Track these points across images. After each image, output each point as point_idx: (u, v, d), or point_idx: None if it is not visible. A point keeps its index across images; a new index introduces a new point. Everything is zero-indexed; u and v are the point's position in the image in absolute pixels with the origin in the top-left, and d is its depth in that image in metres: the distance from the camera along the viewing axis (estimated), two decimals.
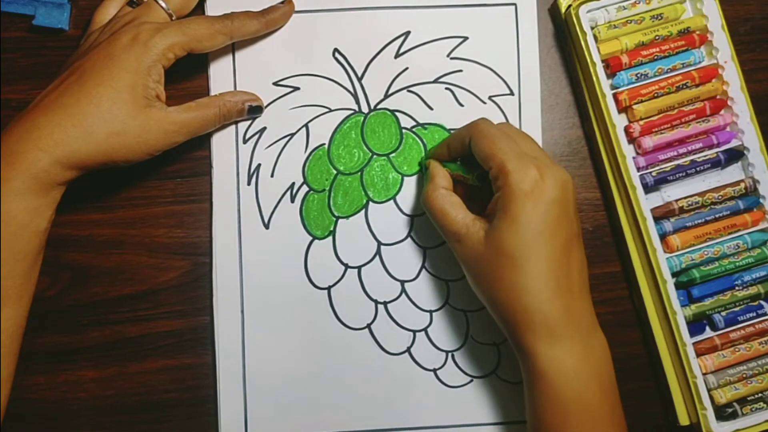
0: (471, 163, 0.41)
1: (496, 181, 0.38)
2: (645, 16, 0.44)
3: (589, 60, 0.43)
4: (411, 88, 0.46)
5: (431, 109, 0.46)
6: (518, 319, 0.37)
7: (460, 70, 0.46)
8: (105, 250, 0.45)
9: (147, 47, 0.39)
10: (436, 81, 0.46)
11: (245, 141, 0.45)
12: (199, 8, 0.44)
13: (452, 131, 0.46)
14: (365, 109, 0.46)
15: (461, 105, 0.46)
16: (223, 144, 0.45)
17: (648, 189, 0.44)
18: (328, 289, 0.46)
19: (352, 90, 0.46)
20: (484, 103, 0.46)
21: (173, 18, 0.42)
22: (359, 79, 0.46)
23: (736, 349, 0.44)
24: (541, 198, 0.36)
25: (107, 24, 0.42)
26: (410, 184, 0.46)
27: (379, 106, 0.46)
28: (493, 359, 0.46)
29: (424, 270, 0.46)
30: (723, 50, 0.45)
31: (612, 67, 0.44)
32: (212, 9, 0.45)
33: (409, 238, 0.46)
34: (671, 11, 0.45)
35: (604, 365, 0.38)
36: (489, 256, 0.38)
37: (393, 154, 0.46)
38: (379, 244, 0.46)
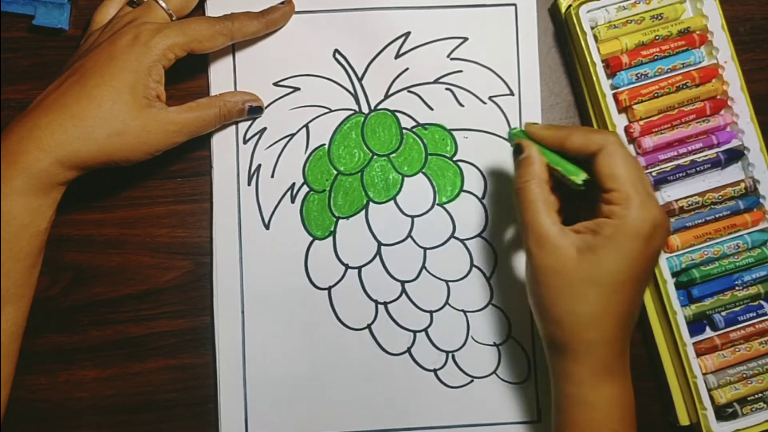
0: (579, 166, 0.38)
1: (611, 204, 0.36)
2: (645, 16, 0.44)
3: (589, 60, 0.43)
4: (411, 89, 0.46)
5: (431, 109, 0.46)
6: (577, 348, 0.37)
7: (461, 71, 0.46)
8: (106, 250, 0.45)
9: (147, 47, 0.39)
10: (436, 81, 0.46)
11: (245, 141, 0.45)
12: (200, 8, 0.44)
13: (452, 131, 0.46)
14: (365, 110, 0.46)
15: (461, 105, 0.46)
16: (223, 144, 0.45)
17: None
18: (329, 289, 0.46)
19: (352, 90, 0.46)
20: (484, 103, 0.46)
21: (173, 18, 0.42)
22: (359, 80, 0.46)
23: (736, 349, 0.44)
24: (652, 244, 0.36)
25: (107, 24, 0.42)
26: (410, 185, 0.46)
27: (379, 107, 0.46)
28: (494, 360, 0.46)
29: (424, 270, 0.46)
30: (723, 50, 0.45)
31: (612, 67, 0.44)
32: (212, 9, 0.45)
33: (409, 239, 0.46)
34: (671, 11, 0.45)
35: (632, 398, 0.39)
36: (575, 277, 0.36)
37: (393, 155, 0.46)
38: (380, 244, 0.46)
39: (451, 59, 0.46)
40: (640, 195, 0.36)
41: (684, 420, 0.44)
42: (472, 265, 0.46)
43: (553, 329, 0.38)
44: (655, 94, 0.44)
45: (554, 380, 0.39)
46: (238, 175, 0.45)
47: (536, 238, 0.37)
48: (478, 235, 0.46)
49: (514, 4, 0.46)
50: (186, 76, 0.45)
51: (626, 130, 0.45)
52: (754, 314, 0.44)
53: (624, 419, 0.38)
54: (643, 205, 0.35)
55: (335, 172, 0.46)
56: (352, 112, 0.46)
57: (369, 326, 0.46)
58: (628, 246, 0.35)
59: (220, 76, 0.45)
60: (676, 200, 0.44)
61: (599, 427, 0.37)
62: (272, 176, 0.45)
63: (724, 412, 0.43)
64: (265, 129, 0.45)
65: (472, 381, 0.46)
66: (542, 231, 0.37)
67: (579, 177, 0.37)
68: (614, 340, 0.37)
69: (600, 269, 0.36)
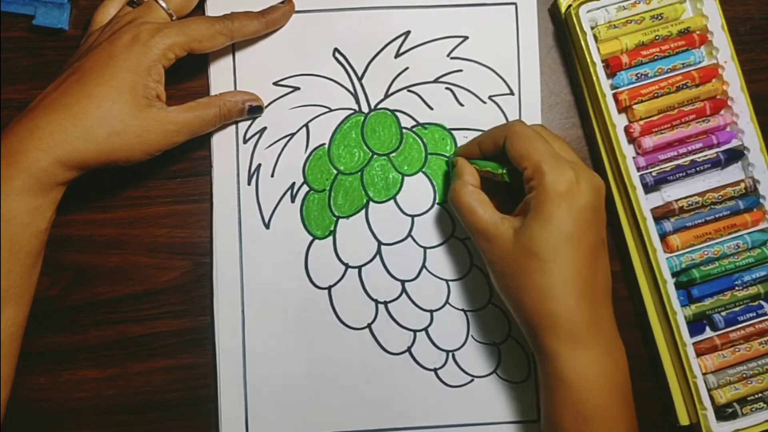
0: (501, 163, 0.41)
1: (529, 181, 0.38)
2: (645, 16, 0.44)
3: (589, 60, 0.43)
4: (411, 88, 0.46)
5: (431, 108, 0.46)
6: (542, 323, 0.37)
7: (460, 70, 0.46)
8: (106, 250, 0.45)
9: (147, 47, 0.39)
10: (436, 81, 0.46)
11: (245, 141, 0.45)
12: (199, 8, 0.44)
13: (452, 131, 0.46)
14: (365, 109, 0.46)
15: (461, 105, 0.46)
16: (223, 144, 0.45)
17: (648, 189, 0.44)
18: (329, 288, 0.46)
19: (352, 90, 0.46)
20: (484, 102, 0.46)
21: (173, 18, 0.42)
22: (359, 79, 0.46)
23: (736, 349, 0.44)
24: (575, 201, 0.37)
25: (107, 24, 0.42)
26: (410, 184, 0.46)
27: (379, 106, 0.46)
28: (494, 359, 0.46)
29: (424, 270, 0.46)
30: (723, 50, 0.45)
31: (612, 67, 0.44)
32: (212, 9, 0.45)
33: (409, 238, 0.46)
34: (671, 11, 0.45)
35: (623, 374, 0.38)
36: (517, 256, 0.37)
37: (393, 154, 0.46)
38: (380, 243, 0.46)
39: (451, 58, 0.46)
40: (548, 162, 0.37)
41: (684, 420, 0.45)
42: (472, 264, 0.46)
43: (518, 312, 0.39)
44: (655, 94, 0.44)
45: (538, 364, 0.40)
46: (238, 174, 0.45)
47: (480, 234, 0.39)
48: None
49: (515, 4, 0.46)
50: (186, 76, 0.45)
51: (626, 130, 0.45)
52: (754, 314, 0.44)
53: (610, 393, 0.37)
54: (553, 169, 0.37)
55: (335, 172, 0.46)
56: (352, 111, 0.46)
57: (369, 326, 0.46)
58: (549, 210, 0.36)
59: (220, 76, 0.45)
60: (676, 200, 0.44)
61: (580, 403, 0.37)
62: (272, 176, 0.45)
63: (724, 412, 0.43)
64: (265, 128, 0.45)
65: (472, 380, 0.46)
66: (482, 226, 0.39)
67: (500, 170, 0.41)
68: (576, 308, 0.37)
69: (531, 240, 0.37)
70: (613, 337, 0.38)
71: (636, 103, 0.44)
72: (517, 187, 0.40)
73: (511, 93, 0.46)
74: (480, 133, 0.45)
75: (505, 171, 0.41)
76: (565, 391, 0.37)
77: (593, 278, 0.37)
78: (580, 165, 0.39)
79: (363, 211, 0.46)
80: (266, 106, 0.45)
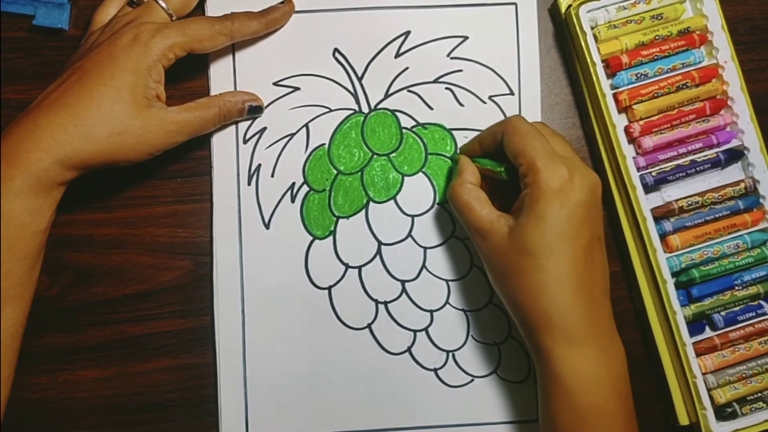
0: (501, 160, 0.41)
1: (524, 178, 0.38)
2: (645, 16, 0.44)
3: (589, 60, 0.44)
4: (411, 88, 0.46)
5: (431, 109, 0.46)
6: (537, 321, 0.37)
7: (460, 70, 0.46)
8: (106, 249, 0.45)
9: (147, 47, 0.39)
10: (436, 81, 0.46)
11: (245, 141, 0.45)
12: (200, 8, 0.44)
13: (452, 131, 0.46)
14: (365, 109, 0.46)
15: (461, 105, 0.46)
16: (223, 144, 0.45)
17: (648, 189, 0.44)
18: (329, 288, 0.46)
19: (352, 90, 0.46)
20: (484, 103, 0.46)
21: (173, 18, 0.42)
22: (359, 79, 0.46)
23: (736, 349, 0.44)
24: (569, 198, 0.36)
25: (107, 24, 0.42)
26: (410, 184, 0.46)
27: (379, 106, 0.46)
28: (494, 359, 0.46)
29: (424, 270, 0.46)
30: (723, 50, 0.45)
31: (612, 67, 0.44)
32: (212, 9, 0.45)
33: (409, 238, 0.46)
34: (671, 11, 0.45)
35: (621, 373, 0.38)
36: (511, 254, 0.37)
37: (393, 154, 0.46)
38: (380, 243, 0.46)
39: (451, 58, 0.46)
40: (543, 159, 0.37)
41: (684, 420, 0.45)
42: (472, 264, 0.46)
43: (514, 310, 0.39)
44: (655, 94, 0.44)
45: (534, 362, 0.40)
46: (238, 174, 0.45)
47: (476, 231, 0.40)
48: None
49: (515, 4, 0.46)
50: (186, 76, 0.45)
51: (626, 130, 0.45)
52: (754, 314, 0.44)
53: (606, 392, 0.37)
54: (547, 166, 0.37)
55: (335, 172, 0.46)
56: (352, 111, 0.46)
57: (369, 326, 0.46)
58: (542, 208, 0.36)
59: (220, 76, 0.45)
60: (676, 200, 0.44)
61: (575, 402, 0.36)
62: (272, 176, 0.45)
63: (723, 412, 0.43)
64: (265, 129, 0.45)
65: (472, 380, 0.46)
66: (478, 223, 0.39)
67: (499, 167, 0.41)
68: (571, 306, 0.36)
69: (525, 238, 0.37)
70: (610, 336, 0.38)
71: (636, 103, 0.44)
72: (517, 184, 0.40)
73: (511, 93, 0.46)
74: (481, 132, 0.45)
75: (502, 168, 0.41)
76: (560, 389, 0.37)
77: (589, 276, 0.37)
78: (576, 162, 0.38)
79: (363, 211, 0.46)
80: (266, 106, 0.45)
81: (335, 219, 0.46)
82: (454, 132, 0.46)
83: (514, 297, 0.38)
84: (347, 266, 0.46)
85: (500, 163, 0.41)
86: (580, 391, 0.37)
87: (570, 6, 0.45)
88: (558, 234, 0.36)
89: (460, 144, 0.46)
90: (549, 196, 0.36)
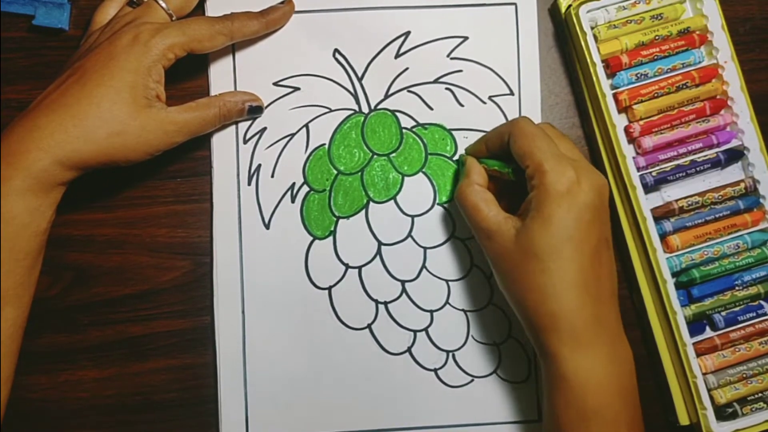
0: (508, 161, 0.41)
1: (531, 179, 0.38)
2: (645, 16, 0.44)
3: (589, 60, 0.43)
4: (411, 88, 0.46)
5: (431, 109, 0.46)
6: (544, 323, 0.37)
7: (460, 70, 0.46)
8: (106, 249, 0.45)
9: (147, 47, 0.39)
10: (436, 81, 0.46)
11: (245, 141, 0.45)
12: (200, 8, 0.44)
13: (452, 131, 0.46)
14: (365, 109, 0.46)
15: (461, 105, 0.46)
16: (223, 144, 0.45)
17: (648, 189, 0.44)
18: (329, 289, 0.46)
19: (352, 90, 0.46)
20: (484, 103, 0.46)
21: (173, 18, 0.42)
22: (359, 79, 0.46)
23: (736, 349, 0.44)
24: (576, 201, 0.36)
25: (107, 24, 0.42)
26: (410, 184, 0.46)
27: (379, 106, 0.46)
28: (494, 359, 0.46)
29: (424, 270, 0.46)
30: (723, 50, 0.45)
31: (612, 67, 0.44)
32: (212, 9, 0.45)
33: (409, 238, 0.46)
34: (671, 11, 0.45)
35: (627, 375, 0.38)
36: (518, 256, 0.37)
37: (393, 154, 0.46)
38: (380, 244, 0.46)
39: (451, 59, 0.46)
40: (550, 161, 0.37)
41: (684, 420, 0.45)
42: (472, 264, 0.46)
43: (520, 312, 0.39)
44: (655, 94, 0.44)
45: (540, 363, 0.40)
46: (238, 175, 0.45)
47: (483, 232, 0.40)
48: None
49: (515, 4, 0.46)
50: (186, 76, 0.45)
51: (626, 130, 0.45)
52: (754, 314, 0.44)
53: (612, 393, 0.37)
54: (554, 168, 0.37)
55: (335, 172, 0.46)
56: (352, 111, 0.46)
57: (369, 326, 0.46)
58: (549, 210, 0.36)
59: (220, 76, 0.45)
60: (676, 200, 0.44)
61: (580, 403, 0.36)
62: (272, 176, 0.45)
63: (724, 412, 0.43)
64: (265, 129, 0.45)
65: (472, 380, 0.46)
66: (485, 224, 0.39)
67: (506, 168, 0.41)
68: (577, 308, 0.36)
69: (532, 240, 0.37)
70: (618, 338, 0.38)
71: (636, 103, 0.44)
72: (523, 185, 0.40)
73: (511, 93, 0.46)
74: (482, 133, 0.45)
75: (510, 169, 0.41)
76: (565, 390, 0.37)
77: (596, 278, 0.37)
78: (584, 164, 0.38)
79: (363, 211, 0.46)
80: (266, 107, 0.45)
81: (335, 219, 0.46)
82: (454, 132, 0.46)
83: (521, 298, 0.38)
84: (347, 266, 0.46)
85: (507, 164, 0.41)
86: (585, 392, 0.36)
87: (570, 6, 0.45)
88: (566, 237, 0.36)
89: (460, 144, 0.46)
90: (556, 198, 0.36)
